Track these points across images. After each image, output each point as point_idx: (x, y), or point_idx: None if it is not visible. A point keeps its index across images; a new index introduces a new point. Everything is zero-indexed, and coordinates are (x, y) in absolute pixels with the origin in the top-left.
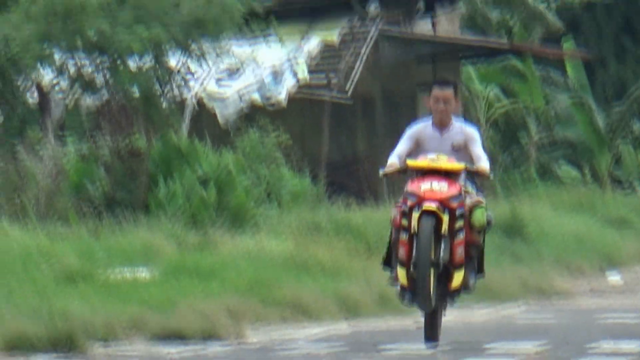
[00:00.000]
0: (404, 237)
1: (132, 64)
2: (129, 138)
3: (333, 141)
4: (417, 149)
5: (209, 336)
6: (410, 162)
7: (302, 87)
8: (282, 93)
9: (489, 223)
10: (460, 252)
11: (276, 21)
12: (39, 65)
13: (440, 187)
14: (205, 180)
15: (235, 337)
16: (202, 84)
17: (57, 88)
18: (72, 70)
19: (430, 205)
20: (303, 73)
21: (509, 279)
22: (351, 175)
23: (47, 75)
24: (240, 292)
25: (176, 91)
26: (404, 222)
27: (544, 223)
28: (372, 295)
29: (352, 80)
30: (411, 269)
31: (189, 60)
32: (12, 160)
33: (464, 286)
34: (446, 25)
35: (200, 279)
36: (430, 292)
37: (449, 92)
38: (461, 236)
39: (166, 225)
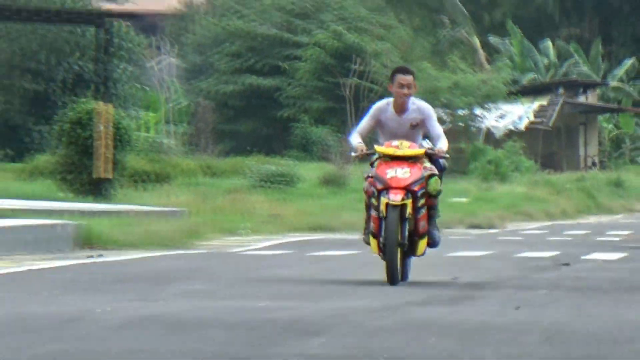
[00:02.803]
0: (374, 214)
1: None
2: None
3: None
4: (377, 126)
5: None
6: (378, 149)
7: (531, 123)
8: (522, 125)
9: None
10: (422, 224)
11: (520, 95)
12: None
13: (404, 174)
14: None
15: None
16: (487, 122)
17: None
18: None
19: (396, 200)
20: (532, 117)
21: (615, 206)
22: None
23: None
24: None
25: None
26: (374, 201)
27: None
28: None
29: (550, 119)
30: (381, 243)
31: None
32: None
33: (429, 245)
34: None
35: None
36: (397, 269)
37: (411, 78)
38: (423, 211)
39: None
